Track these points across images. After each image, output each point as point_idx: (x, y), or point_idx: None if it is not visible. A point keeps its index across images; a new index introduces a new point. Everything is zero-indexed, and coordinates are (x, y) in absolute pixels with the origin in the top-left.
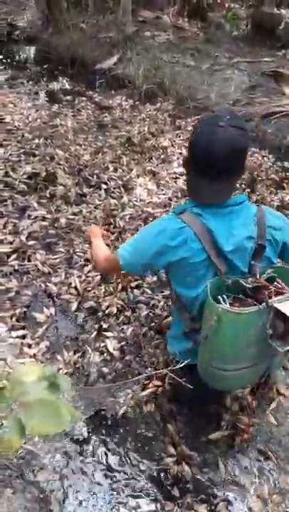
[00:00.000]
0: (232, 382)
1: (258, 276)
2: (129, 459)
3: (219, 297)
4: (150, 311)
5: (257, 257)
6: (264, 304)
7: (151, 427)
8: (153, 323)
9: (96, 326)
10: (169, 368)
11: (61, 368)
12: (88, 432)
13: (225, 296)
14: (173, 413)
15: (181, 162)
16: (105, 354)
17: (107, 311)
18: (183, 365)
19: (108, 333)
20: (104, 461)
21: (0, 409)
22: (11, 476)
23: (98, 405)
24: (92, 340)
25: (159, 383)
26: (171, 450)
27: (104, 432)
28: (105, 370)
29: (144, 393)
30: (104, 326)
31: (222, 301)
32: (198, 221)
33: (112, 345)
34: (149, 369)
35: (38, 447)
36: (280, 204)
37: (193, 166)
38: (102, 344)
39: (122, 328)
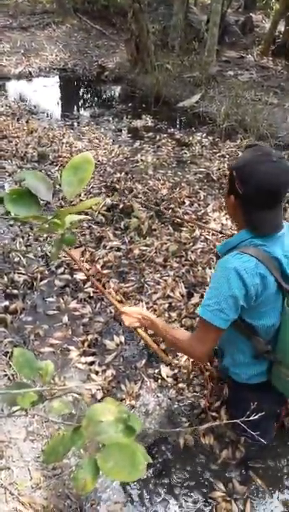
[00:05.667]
0: None
1: None
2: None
3: None
4: None
5: None
6: None
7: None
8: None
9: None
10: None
11: (124, 399)
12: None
13: None
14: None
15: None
16: (159, 381)
17: None
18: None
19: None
20: (162, 491)
21: (76, 448)
22: (70, 506)
23: (158, 434)
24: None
25: (215, 415)
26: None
27: (161, 463)
28: (160, 396)
29: (202, 427)
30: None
31: None
32: (264, 253)
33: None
34: (203, 401)
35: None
36: None
37: (252, 200)
38: (156, 370)
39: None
